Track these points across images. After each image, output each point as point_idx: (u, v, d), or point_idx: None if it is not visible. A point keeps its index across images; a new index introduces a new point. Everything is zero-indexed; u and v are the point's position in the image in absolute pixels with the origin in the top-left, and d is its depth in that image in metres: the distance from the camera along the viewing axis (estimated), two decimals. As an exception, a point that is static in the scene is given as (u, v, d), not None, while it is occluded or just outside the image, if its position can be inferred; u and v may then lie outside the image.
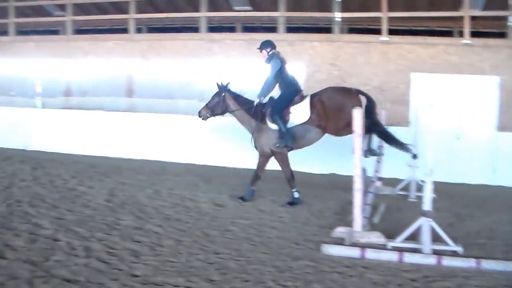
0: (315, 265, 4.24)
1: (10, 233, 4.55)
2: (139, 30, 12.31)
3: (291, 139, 6.42)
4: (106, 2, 12.40)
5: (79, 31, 12.46)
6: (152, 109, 10.33)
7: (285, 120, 6.44)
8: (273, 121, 6.49)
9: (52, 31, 15.05)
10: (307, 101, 6.46)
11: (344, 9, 10.14)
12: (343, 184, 7.17)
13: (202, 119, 6.96)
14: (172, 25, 13.53)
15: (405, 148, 6.29)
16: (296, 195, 6.64)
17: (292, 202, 6.58)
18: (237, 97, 6.85)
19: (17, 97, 11.12)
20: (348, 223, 5.11)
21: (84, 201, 6.16)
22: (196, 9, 10.85)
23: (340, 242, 4.89)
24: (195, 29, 10.94)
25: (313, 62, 9.78)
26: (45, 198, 6.16)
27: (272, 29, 10.75)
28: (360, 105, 5.92)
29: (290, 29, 10.73)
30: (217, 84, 6.89)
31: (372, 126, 6.24)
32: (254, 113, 6.68)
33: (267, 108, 6.61)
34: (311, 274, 4.04)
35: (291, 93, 6.55)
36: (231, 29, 12.61)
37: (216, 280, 3.77)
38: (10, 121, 11.02)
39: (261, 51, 6.71)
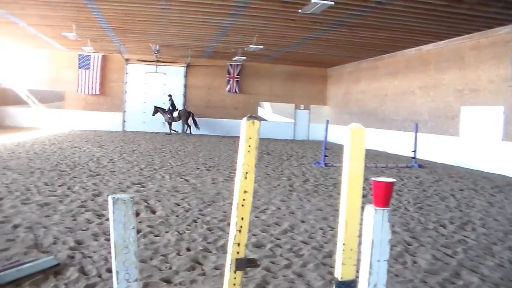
0: None
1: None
2: None
3: (171, 118, 24.73)
4: None
5: None
6: None
7: (172, 114, 24.77)
8: (170, 114, 24.86)
9: None
10: (178, 111, 24.94)
11: None
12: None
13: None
14: None
15: (194, 126, 24.91)
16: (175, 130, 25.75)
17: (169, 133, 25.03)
18: (163, 109, 24.96)
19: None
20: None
21: None
22: None
23: None
24: None
25: None
26: None
27: None
28: (188, 114, 24.89)
29: None
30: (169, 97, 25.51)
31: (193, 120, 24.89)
32: (168, 112, 24.95)
33: (169, 111, 24.90)
34: None
35: (174, 108, 24.85)
36: None
37: None
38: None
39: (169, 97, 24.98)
